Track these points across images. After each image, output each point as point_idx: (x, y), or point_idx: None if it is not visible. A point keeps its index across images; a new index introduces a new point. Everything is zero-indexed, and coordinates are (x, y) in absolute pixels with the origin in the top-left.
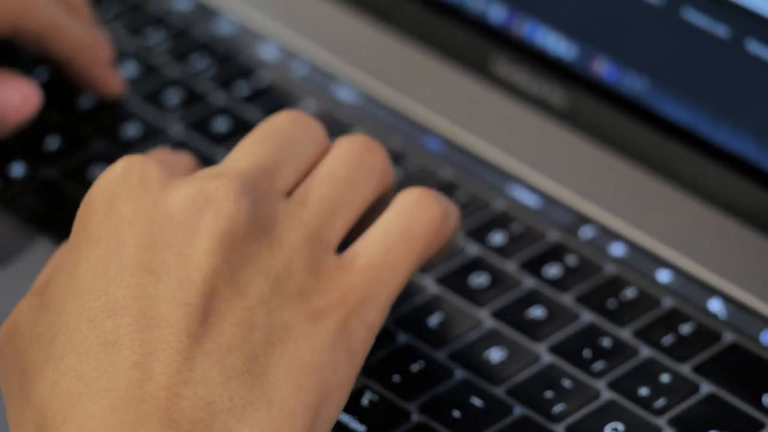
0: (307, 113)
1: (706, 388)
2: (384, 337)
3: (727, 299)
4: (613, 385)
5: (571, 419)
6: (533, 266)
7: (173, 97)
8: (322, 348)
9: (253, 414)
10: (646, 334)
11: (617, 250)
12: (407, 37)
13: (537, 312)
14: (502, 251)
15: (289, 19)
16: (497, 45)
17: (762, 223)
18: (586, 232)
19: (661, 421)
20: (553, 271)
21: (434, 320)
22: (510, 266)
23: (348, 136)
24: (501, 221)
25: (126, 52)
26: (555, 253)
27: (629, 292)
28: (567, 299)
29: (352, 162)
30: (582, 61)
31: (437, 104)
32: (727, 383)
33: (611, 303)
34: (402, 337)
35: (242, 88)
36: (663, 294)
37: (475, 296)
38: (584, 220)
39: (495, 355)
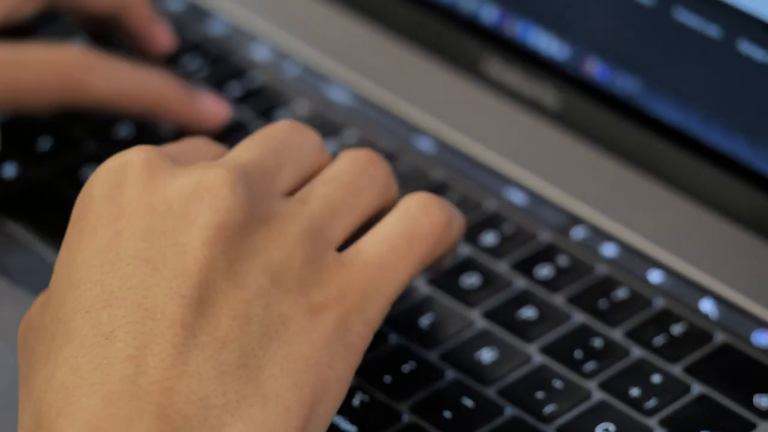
0: (301, 116)
1: (697, 388)
2: (375, 338)
3: (719, 300)
4: (604, 386)
5: (562, 420)
6: (525, 267)
7: None
8: (319, 342)
9: (248, 409)
10: (638, 335)
11: (609, 250)
12: (399, 37)
13: (528, 312)
14: (493, 252)
15: (281, 19)
16: (489, 45)
17: (754, 223)
18: (578, 233)
19: (652, 422)
20: (544, 271)
21: (425, 321)
22: (501, 267)
23: (353, 149)
24: (493, 222)
25: (119, 54)
26: (546, 254)
27: (621, 293)
28: (558, 300)
29: (355, 171)
30: (574, 62)
31: (429, 105)
32: (718, 384)
33: (603, 303)
34: (393, 338)
35: (234, 88)
36: (654, 294)
37: (466, 297)
38: (576, 220)
39: (486, 355)
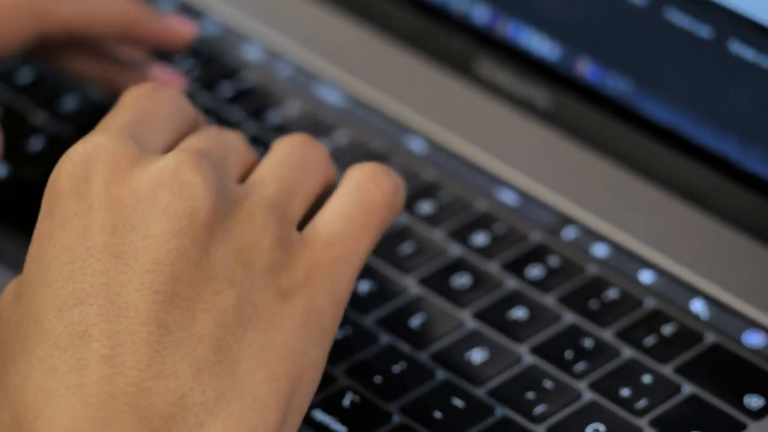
0: (293, 116)
1: (687, 388)
2: (366, 338)
3: (710, 300)
4: (594, 386)
5: (552, 420)
6: (515, 267)
7: None
8: (293, 330)
9: (226, 406)
10: (628, 335)
11: (600, 250)
12: (391, 38)
13: (519, 313)
14: (484, 252)
15: (273, 19)
16: (481, 46)
17: (745, 224)
18: (569, 233)
19: (643, 422)
20: (535, 271)
21: (416, 321)
22: (492, 267)
23: (287, 135)
24: (484, 222)
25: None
26: (537, 254)
27: (611, 293)
28: (549, 300)
29: (296, 153)
30: (565, 62)
31: (421, 105)
32: (709, 384)
33: (593, 304)
34: (384, 338)
35: (226, 88)
36: (645, 295)
37: (457, 297)
38: (567, 220)
39: (477, 356)
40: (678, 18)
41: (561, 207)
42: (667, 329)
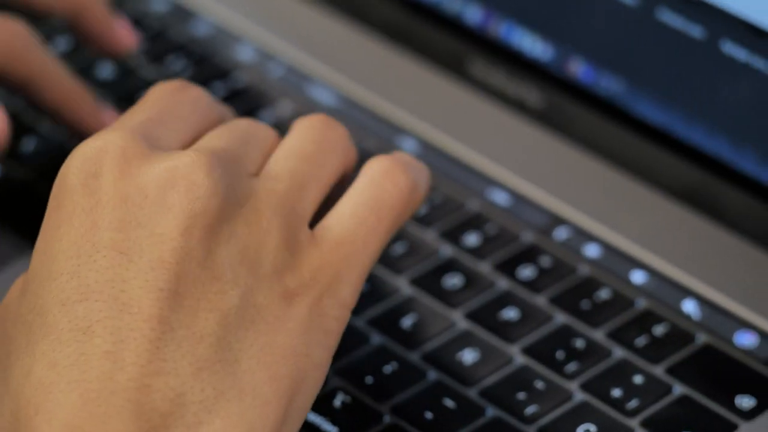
0: (285, 117)
1: (679, 389)
2: (357, 338)
3: (701, 300)
4: (586, 387)
5: (543, 421)
6: (507, 267)
7: None
8: (295, 331)
9: (225, 405)
10: (620, 336)
11: (591, 251)
12: (384, 38)
13: (510, 313)
14: (476, 252)
15: (265, 20)
16: (473, 46)
17: (737, 224)
18: (561, 233)
19: (634, 423)
20: (527, 272)
21: (407, 321)
22: (484, 267)
23: (307, 116)
24: (475, 222)
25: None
26: (529, 255)
27: (603, 293)
28: (541, 300)
29: (314, 139)
30: (558, 62)
31: (413, 105)
32: (700, 384)
33: (585, 304)
34: (375, 338)
35: (219, 89)
36: (637, 295)
37: (448, 297)
38: (559, 221)
39: (468, 356)
40: (670, 18)
41: (553, 207)
42: (659, 329)
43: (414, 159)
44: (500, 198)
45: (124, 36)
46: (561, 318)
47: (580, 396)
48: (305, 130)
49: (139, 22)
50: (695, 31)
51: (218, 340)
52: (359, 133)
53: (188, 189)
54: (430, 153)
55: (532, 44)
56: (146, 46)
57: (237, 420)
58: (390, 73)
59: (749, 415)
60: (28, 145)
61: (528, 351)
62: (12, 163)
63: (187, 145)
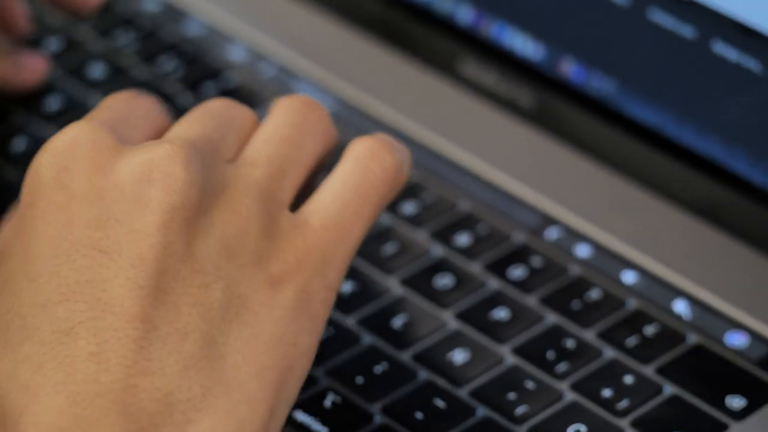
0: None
1: (669, 389)
2: (347, 339)
3: (692, 300)
4: (576, 387)
5: (533, 421)
6: (498, 267)
7: None
8: (282, 319)
9: (213, 402)
10: (610, 336)
11: (582, 251)
12: (375, 38)
13: (501, 313)
14: (467, 252)
15: (257, 20)
16: (465, 46)
17: (728, 224)
18: (552, 234)
19: (624, 423)
20: (517, 272)
21: (398, 321)
22: (475, 267)
23: (287, 96)
24: (466, 222)
25: (94, 54)
26: (520, 255)
27: (594, 294)
28: (531, 301)
29: (294, 121)
30: (549, 62)
31: (404, 105)
32: (691, 385)
33: (575, 304)
34: (366, 338)
35: (210, 89)
36: (627, 295)
37: (439, 298)
38: (550, 221)
39: (458, 356)
40: (661, 18)
41: (544, 207)
42: (650, 330)
43: (396, 140)
44: (491, 198)
45: (33, 65)
46: (552, 318)
47: (570, 396)
48: (284, 111)
49: (130, 21)
50: (686, 31)
51: (203, 336)
52: (350, 133)
53: (165, 183)
54: (421, 153)
55: (523, 44)
56: (138, 46)
57: (226, 417)
58: (381, 73)
59: (740, 415)
60: (19, 145)
61: (518, 351)
62: (2, 164)
63: (152, 139)
